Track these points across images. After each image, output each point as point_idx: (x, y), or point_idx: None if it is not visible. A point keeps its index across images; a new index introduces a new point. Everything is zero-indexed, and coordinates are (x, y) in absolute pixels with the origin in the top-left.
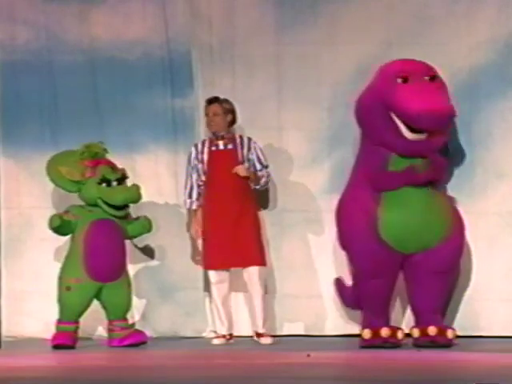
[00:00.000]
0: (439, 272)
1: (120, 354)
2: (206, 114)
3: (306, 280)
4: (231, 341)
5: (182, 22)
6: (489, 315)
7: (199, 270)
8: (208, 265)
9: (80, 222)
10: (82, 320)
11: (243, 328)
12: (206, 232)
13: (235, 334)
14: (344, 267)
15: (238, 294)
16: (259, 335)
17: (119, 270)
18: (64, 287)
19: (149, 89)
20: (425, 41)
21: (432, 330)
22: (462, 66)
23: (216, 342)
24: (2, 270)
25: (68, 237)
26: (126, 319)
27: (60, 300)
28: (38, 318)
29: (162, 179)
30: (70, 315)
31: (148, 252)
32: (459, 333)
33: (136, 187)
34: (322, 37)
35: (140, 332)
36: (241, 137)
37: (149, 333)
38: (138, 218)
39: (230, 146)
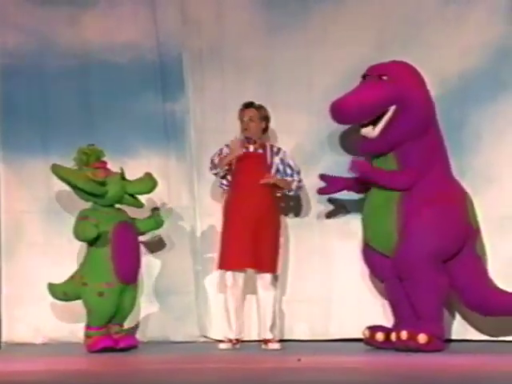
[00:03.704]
0: (403, 278)
1: (112, 359)
2: (241, 119)
3: (299, 283)
4: (237, 346)
5: (172, 25)
6: (484, 318)
7: (190, 274)
8: (224, 265)
9: (101, 226)
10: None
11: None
12: (225, 232)
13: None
14: (337, 270)
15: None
16: (267, 341)
17: (138, 273)
18: (95, 293)
19: (140, 93)
20: (415, 44)
21: (403, 335)
22: (452, 70)
23: (222, 346)
24: None
25: (58, 242)
26: (122, 324)
27: (91, 306)
28: (28, 322)
29: None
30: (101, 320)
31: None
32: (454, 337)
33: (151, 174)
34: (312, 40)
35: (131, 336)
36: (271, 145)
37: (139, 337)
38: (149, 216)
39: (259, 151)
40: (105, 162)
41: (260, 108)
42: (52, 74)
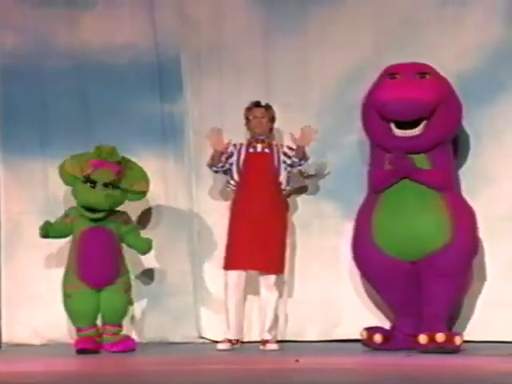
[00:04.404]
0: (443, 276)
1: (111, 360)
2: (252, 116)
3: (293, 285)
4: (236, 346)
5: (170, 26)
6: (481, 320)
7: (189, 275)
8: (229, 265)
9: (75, 227)
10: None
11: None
12: (231, 232)
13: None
14: (329, 272)
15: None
16: (265, 342)
17: (113, 276)
18: (66, 295)
19: (138, 94)
20: (413, 46)
21: (440, 337)
22: (450, 71)
23: (221, 346)
24: None
25: (57, 243)
26: (119, 325)
27: (65, 308)
28: (26, 323)
29: (151, 185)
30: (80, 321)
31: (137, 258)
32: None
33: (107, 194)
34: (310, 42)
35: (130, 339)
36: (277, 144)
37: (137, 338)
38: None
39: (266, 150)
40: (99, 163)
41: (269, 108)
42: (50, 75)
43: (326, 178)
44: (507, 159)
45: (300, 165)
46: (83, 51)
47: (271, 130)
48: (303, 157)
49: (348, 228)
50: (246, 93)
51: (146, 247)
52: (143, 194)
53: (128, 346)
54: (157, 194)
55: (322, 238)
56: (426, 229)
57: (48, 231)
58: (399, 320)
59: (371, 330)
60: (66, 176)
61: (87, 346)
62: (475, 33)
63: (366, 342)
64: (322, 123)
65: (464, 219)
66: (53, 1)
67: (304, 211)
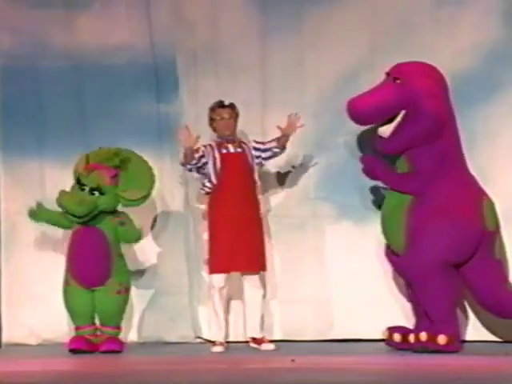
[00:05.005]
0: (412, 280)
1: (107, 360)
2: (219, 117)
3: (288, 285)
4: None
5: (166, 26)
6: (480, 319)
7: (184, 275)
8: (215, 269)
9: (73, 226)
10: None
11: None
12: (214, 236)
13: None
14: (326, 272)
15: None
16: (259, 341)
17: (103, 276)
18: (63, 291)
19: (134, 94)
20: (408, 47)
21: (423, 336)
22: (445, 71)
23: (216, 349)
24: None
25: (56, 243)
26: (114, 327)
27: (64, 305)
28: (24, 323)
29: None
30: (77, 319)
31: (133, 257)
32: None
33: (81, 200)
34: (306, 42)
35: (114, 340)
36: (244, 142)
37: (133, 338)
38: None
39: (239, 150)
40: (95, 166)
41: (234, 107)
42: (47, 75)
43: (322, 178)
44: (502, 160)
45: (280, 153)
46: (80, 52)
47: (236, 128)
48: (284, 146)
49: (344, 228)
50: (242, 93)
51: (133, 237)
52: (135, 201)
53: (110, 348)
54: (153, 193)
55: (318, 238)
56: (390, 233)
57: (37, 214)
58: (416, 320)
59: (391, 329)
60: (73, 173)
61: (78, 347)
62: (470, 34)
63: (388, 342)
64: (319, 123)
65: (431, 225)
66: (50, 1)
67: (300, 211)
